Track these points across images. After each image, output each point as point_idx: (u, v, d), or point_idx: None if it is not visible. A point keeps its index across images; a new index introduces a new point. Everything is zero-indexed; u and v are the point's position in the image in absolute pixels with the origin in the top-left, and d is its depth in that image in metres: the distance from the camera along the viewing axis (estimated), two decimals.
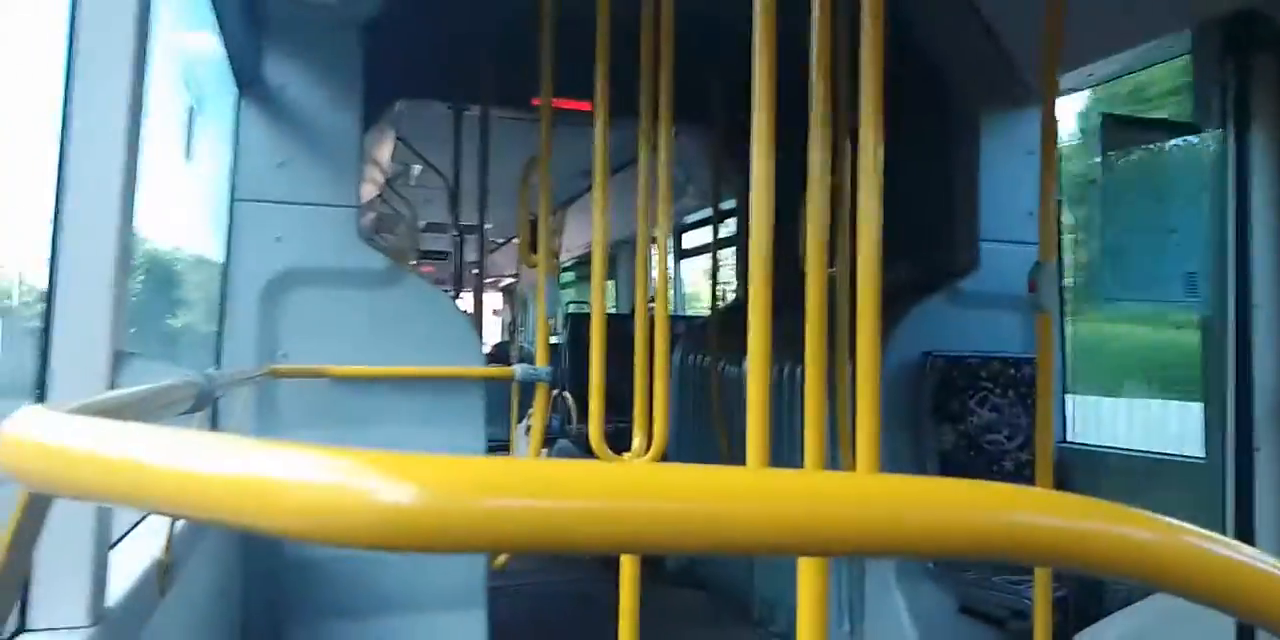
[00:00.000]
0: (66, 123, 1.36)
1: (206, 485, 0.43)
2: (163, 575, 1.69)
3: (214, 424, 2.82)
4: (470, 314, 4.90)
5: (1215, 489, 2.91)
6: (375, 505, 0.40)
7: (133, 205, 1.41)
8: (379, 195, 7.96)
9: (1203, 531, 0.51)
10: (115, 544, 1.70)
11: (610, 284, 8.17)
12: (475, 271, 5.60)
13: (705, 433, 4.62)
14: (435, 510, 0.40)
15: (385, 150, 6.23)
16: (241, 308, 2.92)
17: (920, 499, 0.47)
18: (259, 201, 2.96)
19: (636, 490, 0.42)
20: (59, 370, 1.32)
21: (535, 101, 3.09)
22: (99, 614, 1.32)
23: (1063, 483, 3.34)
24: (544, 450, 6.87)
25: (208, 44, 2.74)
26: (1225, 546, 0.51)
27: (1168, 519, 0.51)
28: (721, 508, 0.43)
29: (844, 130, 2.92)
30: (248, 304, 2.92)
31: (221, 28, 2.70)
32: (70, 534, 1.29)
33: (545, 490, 0.41)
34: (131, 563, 1.62)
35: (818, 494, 0.45)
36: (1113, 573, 0.50)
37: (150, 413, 1.19)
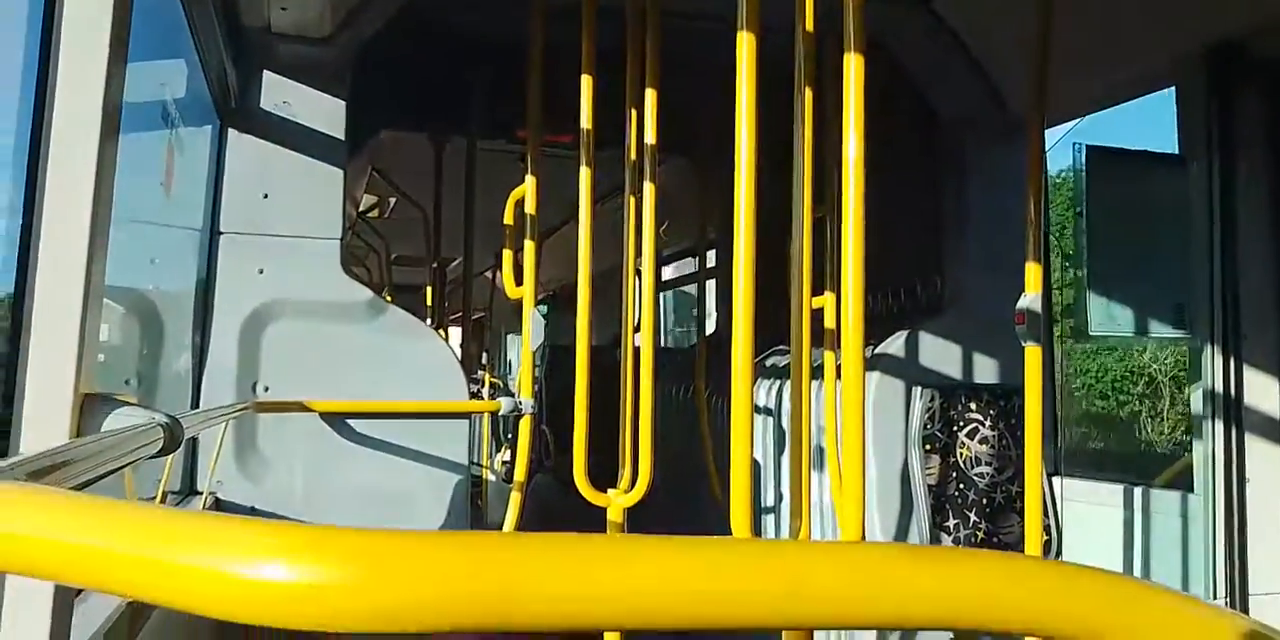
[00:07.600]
0: (39, 158, 1.33)
1: (118, 563, 0.43)
2: (134, 619, 1.64)
3: (192, 463, 2.77)
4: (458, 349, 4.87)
5: (1208, 520, 2.89)
6: (300, 586, 0.39)
7: (105, 241, 1.38)
8: (350, 227, 7.91)
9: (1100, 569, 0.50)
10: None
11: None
12: (446, 305, 5.53)
13: (694, 462, 4.58)
14: (362, 589, 0.39)
15: (360, 183, 6.22)
16: (221, 341, 2.88)
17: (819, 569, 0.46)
18: (241, 234, 2.93)
19: (593, 564, 0.42)
20: (30, 416, 1.27)
21: (520, 134, 3.08)
22: None
23: (1057, 515, 3.30)
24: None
25: (187, 75, 2.72)
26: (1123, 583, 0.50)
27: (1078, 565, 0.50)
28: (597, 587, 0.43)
29: (829, 159, 2.92)
30: (228, 337, 2.88)
31: (202, 59, 2.68)
32: (30, 583, 1.25)
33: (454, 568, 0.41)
34: (99, 608, 1.57)
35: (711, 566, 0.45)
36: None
37: (115, 460, 1.15)
